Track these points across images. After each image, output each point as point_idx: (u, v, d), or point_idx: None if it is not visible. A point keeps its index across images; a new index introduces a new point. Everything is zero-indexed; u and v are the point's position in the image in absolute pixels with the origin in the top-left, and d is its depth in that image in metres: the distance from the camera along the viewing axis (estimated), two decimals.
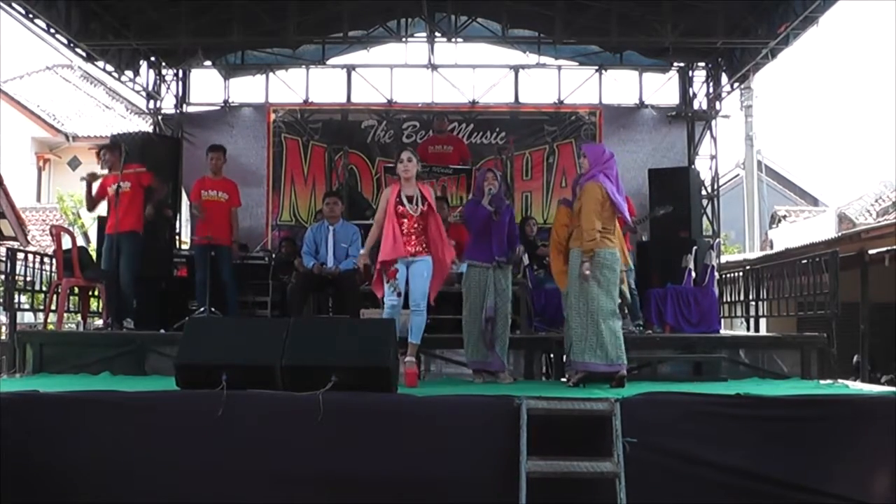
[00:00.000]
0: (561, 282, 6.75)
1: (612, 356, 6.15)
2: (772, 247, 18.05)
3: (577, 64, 12.19)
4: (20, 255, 8.59)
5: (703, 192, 11.47)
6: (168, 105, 11.96)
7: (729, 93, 11.93)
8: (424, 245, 6.43)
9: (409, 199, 6.40)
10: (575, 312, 6.26)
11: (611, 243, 6.30)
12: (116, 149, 8.36)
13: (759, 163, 19.60)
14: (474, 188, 7.31)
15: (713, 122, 11.85)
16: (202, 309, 8.28)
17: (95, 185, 8.32)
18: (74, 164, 22.02)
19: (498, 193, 6.83)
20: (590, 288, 6.18)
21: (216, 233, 8.56)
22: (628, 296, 7.32)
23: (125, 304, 8.11)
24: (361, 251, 6.82)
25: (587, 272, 6.15)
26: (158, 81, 11.82)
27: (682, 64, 11.93)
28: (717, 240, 11.31)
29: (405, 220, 6.38)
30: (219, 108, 12.16)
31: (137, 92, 11.82)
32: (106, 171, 8.29)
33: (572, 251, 6.35)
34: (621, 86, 12.31)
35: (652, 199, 10.20)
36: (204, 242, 8.52)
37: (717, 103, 11.86)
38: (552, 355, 7.56)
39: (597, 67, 12.04)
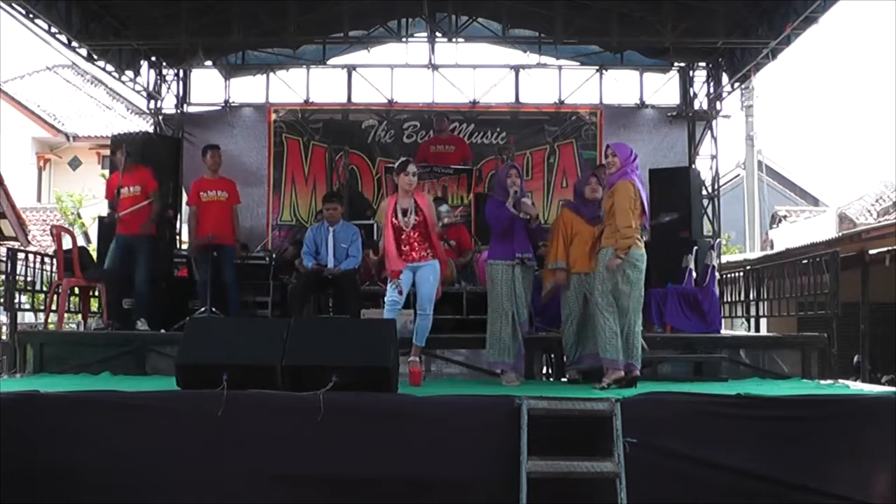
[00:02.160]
0: (548, 278, 6.77)
1: (631, 355, 6.17)
2: (772, 247, 18.04)
3: (577, 64, 12.18)
4: (21, 255, 8.59)
5: (704, 193, 11.44)
6: (168, 105, 11.94)
7: (730, 93, 11.90)
8: (428, 249, 6.49)
9: (404, 213, 6.47)
10: (602, 309, 6.21)
11: (640, 243, 6.29)
12: (122, 152, 8.41)
13: (760, 163, 19.57)
14: (495, 186, 7.03)
15: (714, 122, 11.81)
16: (203, 309, 8.28)
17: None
18: (75, 164, 22.06)
19: (522, 192, 6.70)
20: (620, 286, 6.19)
21: (218, 232, 8.54)
22: None
23: (140, 304, 8.12)
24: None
25: (614, 265, 6.13)
26: (159, 81, 11.80)
27: (682, 64, 11.90)
28: (718, 240, 11.30)
29: (402, 233, 6.46)
30: (219, 108, 12.15)
31: (138, 92, 11.80)
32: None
33: (604, 249, 6.27)
34: (622, 86, 12.32)
35: (652, 199, 10.16)
36: (205, 243, 8.52)
37: (718, 103, 11.84)
38: (552, 355, 7.55)
39: (597, 67, 12.02)
